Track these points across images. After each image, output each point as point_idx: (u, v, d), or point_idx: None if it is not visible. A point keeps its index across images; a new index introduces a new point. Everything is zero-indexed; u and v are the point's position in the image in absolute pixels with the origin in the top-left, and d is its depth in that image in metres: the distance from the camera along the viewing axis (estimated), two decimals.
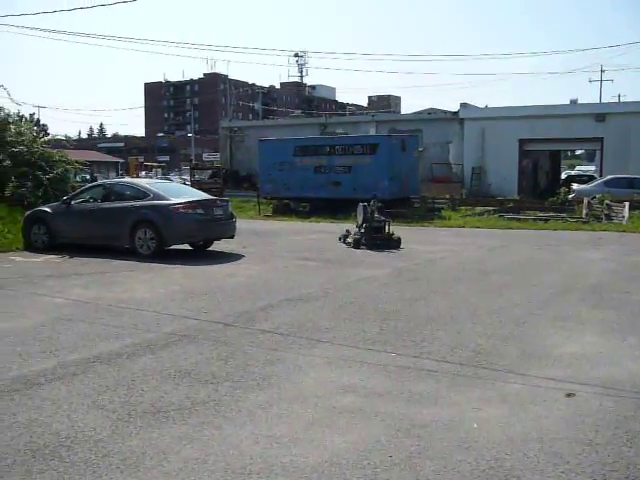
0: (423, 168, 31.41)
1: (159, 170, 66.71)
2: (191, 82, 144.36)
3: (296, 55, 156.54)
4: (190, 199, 13.57)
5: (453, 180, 35.66)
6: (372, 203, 16.33)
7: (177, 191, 14.48)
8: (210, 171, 38.52)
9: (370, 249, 14.93)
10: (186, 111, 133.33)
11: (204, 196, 14.37)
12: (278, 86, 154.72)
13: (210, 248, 15.00)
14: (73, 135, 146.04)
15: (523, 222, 22.66)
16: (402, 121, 37.89)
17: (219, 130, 43.34)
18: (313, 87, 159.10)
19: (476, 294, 9.77)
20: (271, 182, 28.14)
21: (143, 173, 71.65)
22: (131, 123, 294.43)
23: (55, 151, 19.94)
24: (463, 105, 36.95)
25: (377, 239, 15.46)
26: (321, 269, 12.20)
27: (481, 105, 39.46)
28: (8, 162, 18.16)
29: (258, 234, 19.07)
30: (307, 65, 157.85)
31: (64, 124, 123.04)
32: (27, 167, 18.94)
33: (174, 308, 8.62)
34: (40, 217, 14.88)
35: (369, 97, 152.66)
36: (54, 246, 14.56)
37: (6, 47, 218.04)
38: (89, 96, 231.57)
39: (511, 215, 24.36)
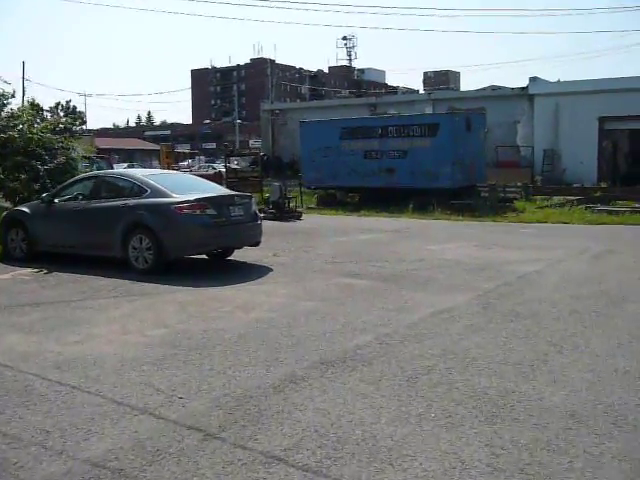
0: (487, 151, 27.46)
1: (201, 158, 63.87)
2: (238, 68, 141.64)
3: (344, 38, 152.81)
4: (199, 195, 10.18)
5: (521, 165, 31.56)
6: (282, 184, 20.81)
7: (184, 185, 11.08)
8: (251, 158, 35.24)
9: (282, 221, 18.55)
10: (233, 97, 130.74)
11: (220, 191, 10.95)
12: (326, 70, 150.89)
13: (231, 257, 11.66)
14: (121, 123, 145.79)
15: (619, 216, 18.63)
16: (462, 99, 33.83)
17: (260, 113, 40.01)
18: (362, 70, 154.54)
19: (624, 348, 6.11)
20: (315, 170, 24.71)
21: (189, 161, 68.92)
22: (178, 111, 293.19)
23: (55, 137, 16.82)
24: (533, 79, 32.70)
25: (285, 211, 19.63)
26: (374, 293, 8.68)
27: (552, 80, 35.04)
28: None
29: (296, 233, 15.68)
30: (356, 48, 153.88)
31: (112, 112, 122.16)
32: (21, 157, 15.89)
33: (135, 385, 5.24)
34: (18, 219, 11.78)
35: (425, 73, 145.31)
36: (37, 255, 11.46)
37: (54, 32, 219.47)
38: (135, 84, 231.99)
39: (600, 207, 20.32)
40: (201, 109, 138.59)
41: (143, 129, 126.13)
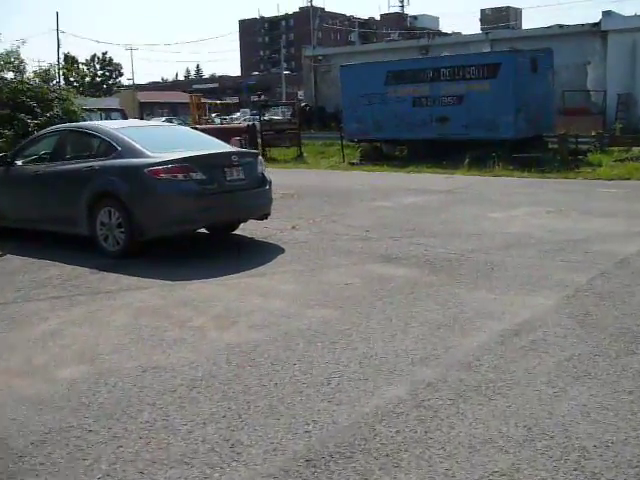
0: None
1: (246, 110, 61.02)
2: (286, 17, 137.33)
3: None
4: (182, 154, 7.66)
5: (592, 111, 27.84)
6: (244, 138, 19.33)
7: (169, 141, 8.51)
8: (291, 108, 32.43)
9: None
10: (282, 47, 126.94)
11: (213, 148, 8.33)
12: (378, 17, 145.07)
13: (238, 230, 9.18)
14: (170, 77, 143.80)
15: None
16: (525, 38, 29.95)
17: (302, 61, 37.01)
18: (415, 17, 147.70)
19: None
20: (357, 120, 21.89)
21: (238, 114, 65.77)
22: (227, 63, 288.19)
23: (46, 86, 14.49)
24: (606, 13, 28.71)
25: None
26: (415, 291, 6.07)
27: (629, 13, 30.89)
28: None
29: (329, 196, 13.10)
30: None
31: (160, 66, 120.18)
32: (9, 110, 13.68)
33: None
34: None
35: (482, 11, 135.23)
36: (6, 231, 9.28)
37: None
38: (182, 36, 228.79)
39: None
40: (250, 61, 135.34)
41: (191, 82, 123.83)
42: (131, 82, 73.98)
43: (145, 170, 7.41)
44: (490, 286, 6.19)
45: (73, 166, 8.22)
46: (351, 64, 23.37)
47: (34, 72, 14.94)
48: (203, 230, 8.95)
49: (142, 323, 5.45)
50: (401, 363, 4.36)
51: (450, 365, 4.30)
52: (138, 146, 7.75)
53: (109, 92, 61.46)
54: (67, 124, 10.25)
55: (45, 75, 15.09)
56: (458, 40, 35.51)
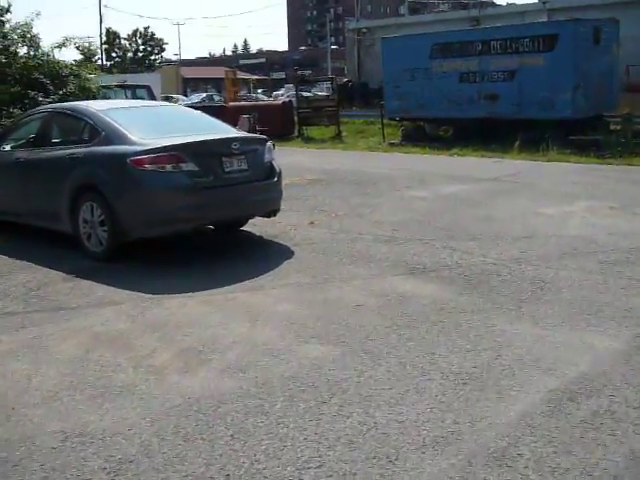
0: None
1: (290, 86, 59.61)
2: None
3: None
4: (172, 141, 6.49)
5: None
6: (253, 116, 19.10)
7: (161, 123, 7.32)
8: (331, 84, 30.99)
9: None
10: (330, 21, 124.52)
11: (211, 134, 7.09)
12: None
13: (247, 226, 8.02)
14: (218, 52, 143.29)
15: None
16: (586, 7, 27.82)
17: (345, 34, 35.42)
18: None
19: None
20: (399, 97, 20.42)
21: (282, 90, 64.33)
22: (275, 36, 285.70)
23: (67, 62, 13.53)
24: None
25: None
26: (441, 321, 4.82)
27: None
28: None
29: (360, 183, 11.83)
30: None
31: (210, 39, 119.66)
32: (20, 87, 12.77)
33: None
34: None
35: None
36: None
37: None
38: (230, 9, 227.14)
39: None
40: (297, 35, 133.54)
41: (238, 57, 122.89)
42: (178, 57, 73.28)
43: (128, 160, 6.29)
44: (537, 315, 4.89)
45: (55, 153, 7.16)
46: (393, 36, 21.86)
47: (77, 47, 14.01)
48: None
49: (93, 357, 4.36)
50: (407, 445, 3.15)
51: (475, 453, 3.06)
52: (123, 130, 6.63)
53: (151, 68, 60.78)
54: (53, 104, 9.23)
55: (86, 50, 14.16)
56: (512, 10, 33.31)
